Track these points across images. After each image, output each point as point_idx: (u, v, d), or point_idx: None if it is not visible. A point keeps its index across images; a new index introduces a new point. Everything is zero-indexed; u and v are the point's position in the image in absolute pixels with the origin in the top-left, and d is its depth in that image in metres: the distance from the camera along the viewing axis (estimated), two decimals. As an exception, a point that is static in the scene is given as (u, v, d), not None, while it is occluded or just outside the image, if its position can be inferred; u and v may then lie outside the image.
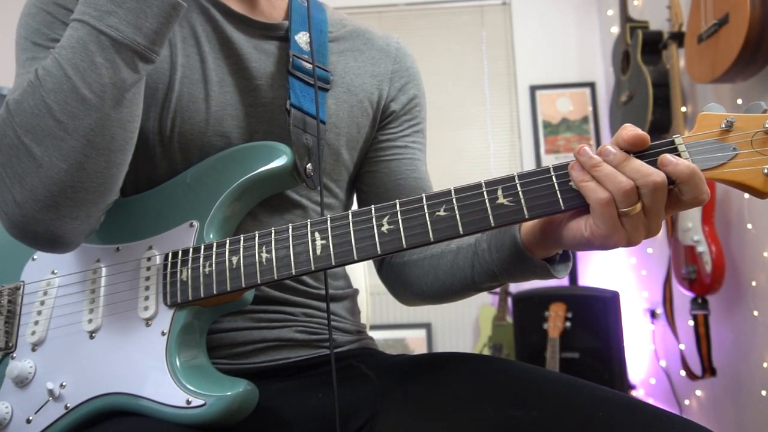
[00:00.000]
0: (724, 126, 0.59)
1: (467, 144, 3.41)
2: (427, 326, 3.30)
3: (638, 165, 0.58)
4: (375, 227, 0.65)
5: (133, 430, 0.63)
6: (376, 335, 0.93)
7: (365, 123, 0.88)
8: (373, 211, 0.65)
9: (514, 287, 2.98)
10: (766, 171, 0.58)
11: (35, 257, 0.76)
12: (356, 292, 0.94)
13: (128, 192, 0.77)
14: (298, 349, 0.80)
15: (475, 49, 3.48)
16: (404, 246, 0.64)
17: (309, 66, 0.82)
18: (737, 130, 0.59)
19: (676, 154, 0.59)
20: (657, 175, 0.57)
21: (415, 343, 3.28)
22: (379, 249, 0.64)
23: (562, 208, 0.61)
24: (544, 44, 3.40)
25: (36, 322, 0.72)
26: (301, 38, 0.84)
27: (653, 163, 0.59)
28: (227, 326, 0.76)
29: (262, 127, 0.79)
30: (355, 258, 0.65)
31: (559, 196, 0.61)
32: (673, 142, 0.60)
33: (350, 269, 0.96)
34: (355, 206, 0.96)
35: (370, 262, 1.00)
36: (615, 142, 0.61)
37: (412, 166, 0.92)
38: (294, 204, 0.82)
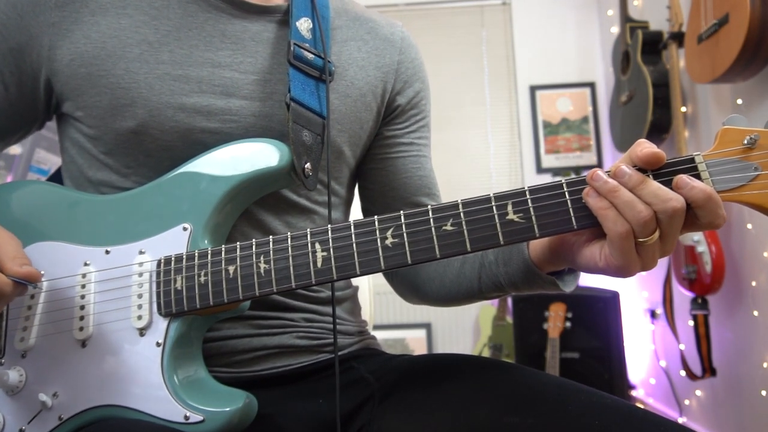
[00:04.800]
0: (746, 143, 0.55)
1: (467, 144, 3.41)
2: (427, 326, 3.30)
3: (656, 189, 0.55)
4: (378, 240, 0.62)
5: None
6: (376, 335, 0.92)
7: (368, 118, 0.84)
8: (376, 223, 0.63)
9: (514, 287, 2.98)
10: None
11: None
12: (356, 289, 0.92)
13: (128, 187, 0.74)
14: (299, 355, 0.78)
15: (475, 49, 3.48)
16: (409, 262, 0.61)
17: (311, 56, 0.76)
18: (760, 148, 0.55)
19: (696, 174, 0.56)
20: (676, 201, 0.55)
21: (415, 343, 3.28)
22: (383, 264, 0.62)
23: (575, 227, 0.58)
24: (544, 44, 3.40)
25: (24, 328, 0.68)
26: (302, 24, 0.78)
27: (669, 183, 0.56)
28: (226, 334, 0.74)
29: (259, 122, 0.75)
30: (358, 273, 0.62)
31: (572, 213, 0.58)
32: (693, 160, 0.57)
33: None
34: (356, 202, 0.94)
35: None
36: (629, 159, 0.58)
37: (418, 164, 0.89)
38: (293, 205, 0.79)
